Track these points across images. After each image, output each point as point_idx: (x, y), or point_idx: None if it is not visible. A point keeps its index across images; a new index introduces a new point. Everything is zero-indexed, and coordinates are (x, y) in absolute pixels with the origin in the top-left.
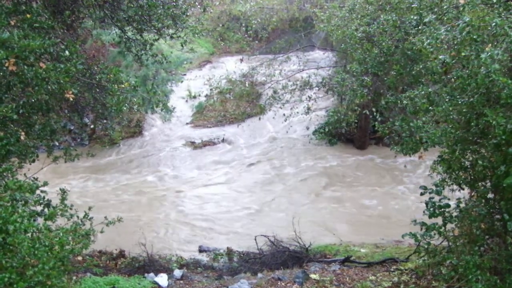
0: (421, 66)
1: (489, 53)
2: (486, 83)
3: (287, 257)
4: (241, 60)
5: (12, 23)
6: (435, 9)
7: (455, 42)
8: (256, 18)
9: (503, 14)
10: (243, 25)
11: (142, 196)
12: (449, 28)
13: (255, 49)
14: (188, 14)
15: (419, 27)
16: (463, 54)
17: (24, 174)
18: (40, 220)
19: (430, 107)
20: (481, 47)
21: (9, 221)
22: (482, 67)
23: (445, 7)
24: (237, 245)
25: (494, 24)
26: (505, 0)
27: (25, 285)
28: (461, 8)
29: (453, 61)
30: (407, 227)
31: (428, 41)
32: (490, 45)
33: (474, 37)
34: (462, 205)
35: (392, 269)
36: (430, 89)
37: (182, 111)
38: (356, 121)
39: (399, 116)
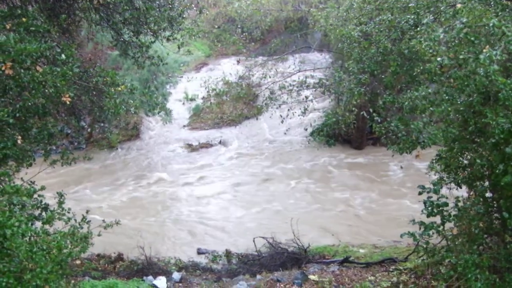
0: (420, 67)
1: (488, 54)
2: (485, 84)
3: (286, 259)
4: (238, 62)
5: (8, 26)
6: (432, 8)
7: (453, 44)
8: (252, 19)
9: (500, 13)
10: (239, 26)
11: (140, 199)
12: (446, 29)
13: (252, 51)
14: (184, 16)
15: (417, 28)
16: (461, 56)
17: (21, 178)
18: (38, 224)
19: (431, 108)
20: (478, 49)
21: (6, 225)
22: (481, 68)
23: (442, 7)
24: (235, 247)
25: (491, 25)
26: None
27: None
28: (458, 10)
29: (451, 62)
30: (405, 227)
31: (426, 43)
32: (487, 46)
33: (472, 38)
34: (461, 204)
35: (391, 269)
36: (429, 90)
37: (179, 113)
38: (354, 122)
39: (396, 115)
